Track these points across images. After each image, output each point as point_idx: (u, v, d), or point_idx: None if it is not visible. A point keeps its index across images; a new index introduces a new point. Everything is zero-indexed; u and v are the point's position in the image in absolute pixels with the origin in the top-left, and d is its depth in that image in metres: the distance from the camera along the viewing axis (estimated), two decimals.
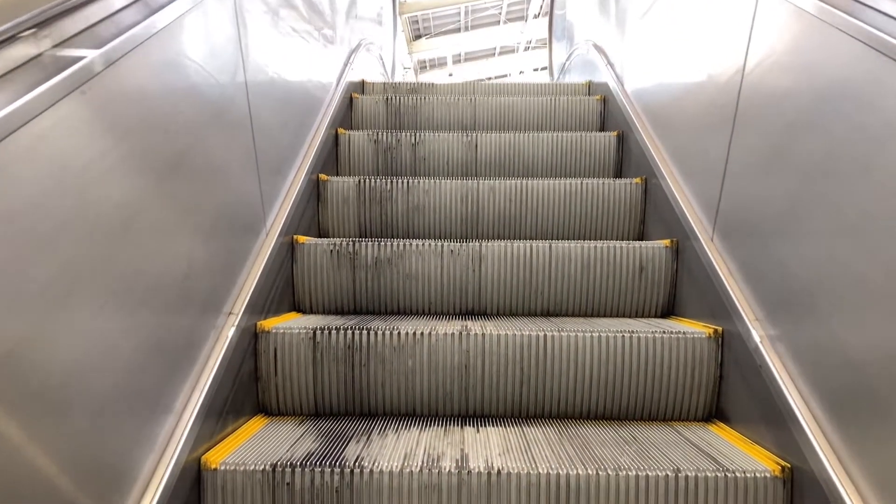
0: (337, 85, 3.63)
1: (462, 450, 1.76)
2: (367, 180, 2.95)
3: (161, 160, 1.49)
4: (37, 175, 1.06)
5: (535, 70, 19.68)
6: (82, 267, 1.16)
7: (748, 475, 1.61)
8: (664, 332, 2.06)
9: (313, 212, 2.90)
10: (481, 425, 1.99)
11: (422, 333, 2.06)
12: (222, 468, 1.61)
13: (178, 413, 1.53)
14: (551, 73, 7.17)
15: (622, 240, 2.89)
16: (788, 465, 1.61)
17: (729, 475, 1.61)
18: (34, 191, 1.05)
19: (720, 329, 2.04)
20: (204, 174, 1.73)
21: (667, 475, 1.61)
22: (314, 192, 2.90)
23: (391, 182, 2.95)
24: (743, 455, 1.72)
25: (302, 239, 2.52)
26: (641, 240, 2.90)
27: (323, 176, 2.96)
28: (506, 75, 20.30)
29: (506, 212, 2.98)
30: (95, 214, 1.21)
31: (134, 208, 1.34)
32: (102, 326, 1.21)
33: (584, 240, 2.84)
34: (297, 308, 2.54)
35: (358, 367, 2.07)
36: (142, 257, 1.37)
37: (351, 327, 2.08)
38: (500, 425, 2.00)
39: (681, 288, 2.47)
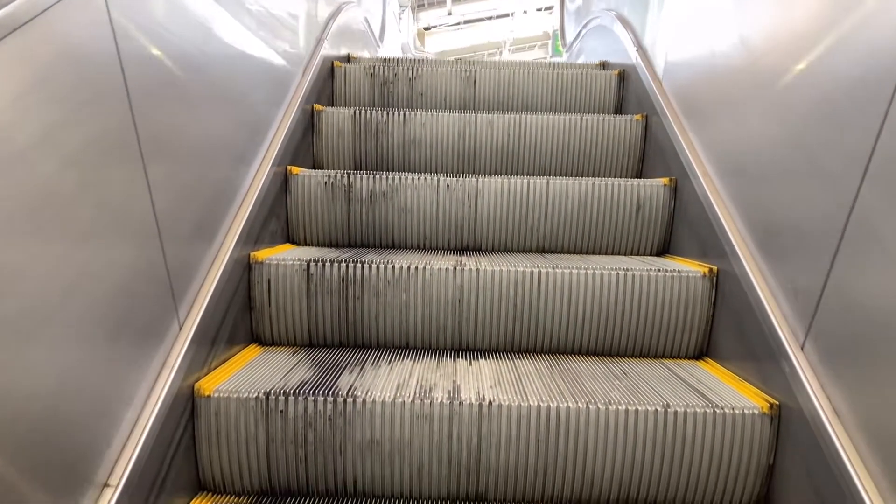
0: (330, 19, 3.52)
1: (454, 381, 1.77)
2: (363, 111, 2.89)
3: (156, 85, 1.44)
4: None
5: (539, 10, 19.13)
6: (68, 197, 1.13)
7: (736, 411, 1.63)
8: (659, 271, 2.05)
9: (308, 143, 2.85)
10: (474, 358, 2.01)
11: (416, 267, 2.05)
12: (216, 395, 1.62)
13: (171, 341, 1.53)
14: (562, 37, 6.60)
15: (621, 177, 2.86)
16: (776, 402, 1.63)
17: (717, 411, 1.63)
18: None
19: (715, 268, 2.04)
20: (202, 102, 1.68)
21: (656, 410, 1.63)
22: (309, 123, 2.84)
23: (387, 114, 2.88)
24: (732, 392, 1.74)
25: (295, 170, 2.48)
26: (640, 178, 2.87)
27: (318, 106, 2.90)
28: (508, 15, 19.74)
29: (504, 147, 2.93)
30: (85, 140, 1.17)
31: (120, 135, 1.31)
32: (90, 253, 1.19)
33: (582, 177, 2.80)
34: (291, 240, 2.52)
35: (352, 300, 2.06)
36: (127, 186, 1.34)
37: (345, 260, 2.07)
38: (493, 359, 2.01)
39: (677, 227, 2.46)
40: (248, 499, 1.62)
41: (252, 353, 1.99)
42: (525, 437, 1.63)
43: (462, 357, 2.02)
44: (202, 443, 1.63)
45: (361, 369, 1.85)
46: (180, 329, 1.57)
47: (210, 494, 1.64)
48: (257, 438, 1.63)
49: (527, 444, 1.63)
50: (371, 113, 2.89)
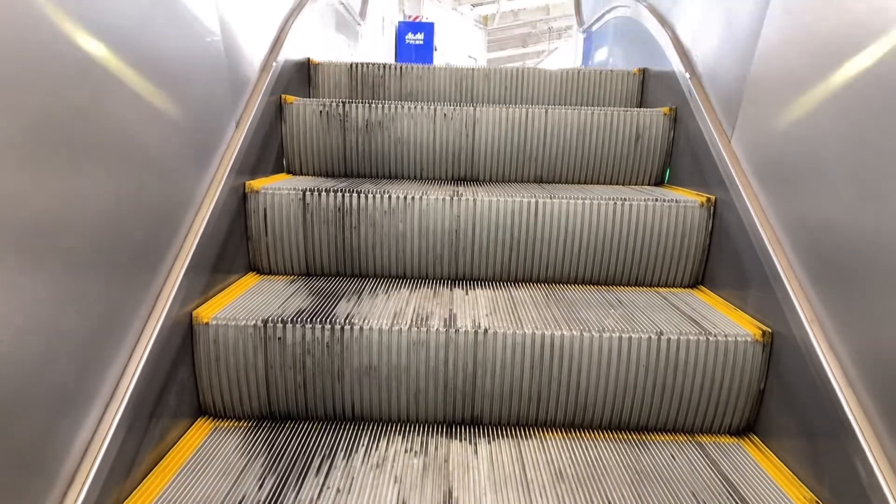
0: None
1: (451, 310, 1.78)
2: (360, 66, 2.86)
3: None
4: None
5: None
6: (66, 121, 1.11)
7: (729, 339, 1.64)
8: (657, 200, 2.04)
9: (304, 77, 2.79)
10: (470, 288, 2.02)
11: (413, 197, 2.04)
12: (214, 323, 1.64)
13: (167, 270, 1.53)
14: (577, 13, 5.30)
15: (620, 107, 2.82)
16: (769, 330, 1.64)
17: (710, 338, 1.65)
18: None
19: (713, 197, 2.02)
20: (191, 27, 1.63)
21: (650, 337, 1.65)
22: (305, 65, 2.79)
23: (384, 68, 2.84)
24: (726, 320, 1.75)
25: (290, 99, 2.44)
26: (640, 107, 2.82)
27: (313, 61, 2.85)
28: None
29: (500, 98, 2.93)
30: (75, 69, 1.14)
31: (111, 67, 1.27)
32: (83, 182, 1.18)
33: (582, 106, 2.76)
34: (287, 170, 2.50)
35: (349, 230, 2.06)
36: (123, 108, 1.32)
37: (341, 189, 2.05)
38: (489, 288, 2.02)
39: (676, 156, 2.43)
40: (248, 422, 1.66)
41: (250, 281, 2.00)
42: (520, 363, 1.65)
43: (458, 286, 2.03)
44: (201, 369, 1.65)
45: (358, 298, 1.86)
46: (176, 258, 1.57)
47: (210, 418, 1.67)
48: (256, 365, 1.65)
49: (521, 370, 1.65)
50: (367, 67, 2.83)
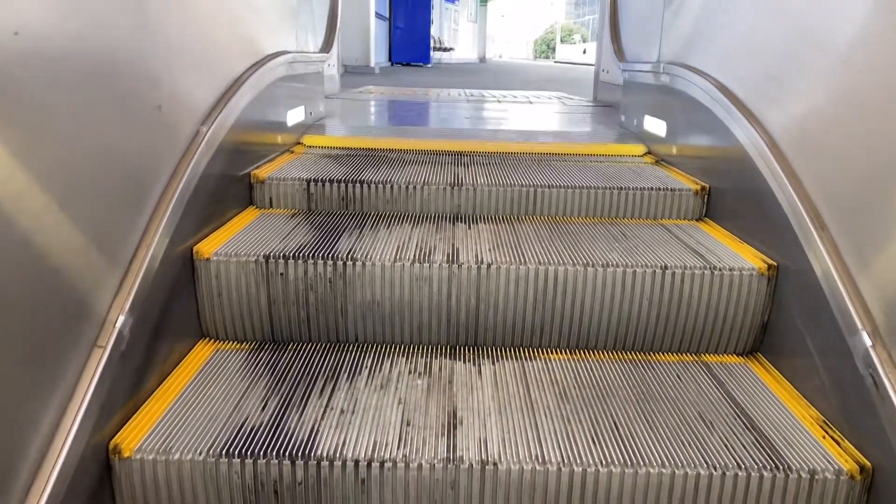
0: None
1: (453, 244, 1.77)
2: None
3: None
4: None
5: None
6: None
7: (734, 273, 1.63)
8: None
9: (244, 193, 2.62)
10: (473, 222, 2.01)
11: (415, 187, 2.03)
12: (215, 259, 1.63)
13: (155, 201, 1.45)
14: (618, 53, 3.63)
15: None
16: (774, 263, 1.63)
17: (715, 272, 1.63)
18: None
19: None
20: None
21: (654, 271, 1.64)
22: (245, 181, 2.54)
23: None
24: (731, 253, 1.74)
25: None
26: None
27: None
28: None
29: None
30: None
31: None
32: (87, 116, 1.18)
33: None
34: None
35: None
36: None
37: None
38: (492, 222, 2.01)
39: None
40: (250, 345, 1.65)
41: (250, 216, 1.99)
42: (523, 297, 1.65)
43: (461, 220, 2.02)
44: (203, 304, 1.65)
45: (360, 233, 1.85)
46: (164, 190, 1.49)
47: (212, 340, 1.66)
48: (259, 300, 1.65)
49: (524, 303, 1.65)
50: None
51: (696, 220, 2.11)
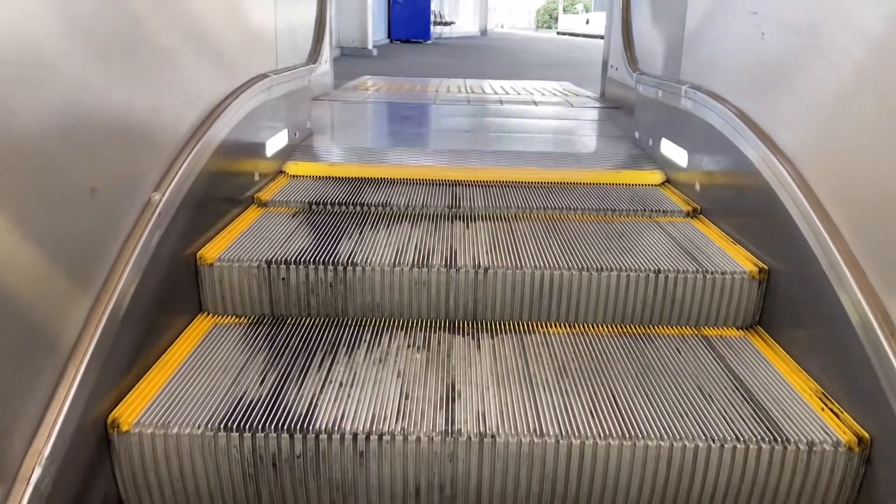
0: None
1: (451, 246, 1.78)
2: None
3: None
4: None
5: None
6: None
7: (726, 276, 1.64)
8: None
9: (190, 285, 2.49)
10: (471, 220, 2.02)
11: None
12: (218, 264, 1.63)
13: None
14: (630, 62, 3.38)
15: None
16: (766, 267, 1.64)
17: (707, 276, 1.64)
18: None
19: None
20: None
21: (647, 275, 1.64)
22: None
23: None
24: (723, 255, 1.75)
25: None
26: None
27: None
28: None
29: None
30: None
31: None
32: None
33: None
34: None
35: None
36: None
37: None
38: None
39: None
40: (248, 319, 1.65)
41: (253, 214, 1.99)
42: (519, 299, 1.65)
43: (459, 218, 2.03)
44: (207, 302, 1.65)
45: (360, 234, 1.85)
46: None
47: (211, 315, 1.66)
48: (261, 301, 1.64)
49: (521, 304, 1.65)
50: None
51: (692, 218, 2.11)
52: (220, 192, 1.81)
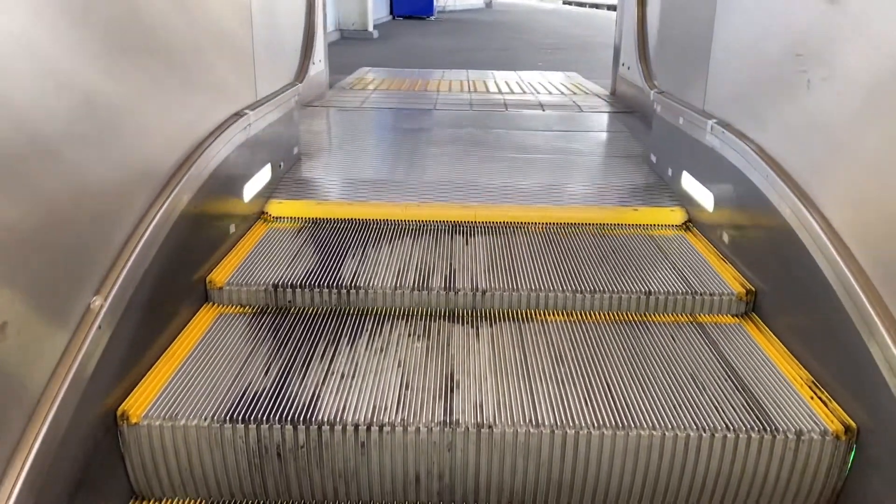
0: None
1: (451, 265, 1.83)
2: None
3: None
4: None
5: None
6: None
7: (714, 297, 1.70)
8: None
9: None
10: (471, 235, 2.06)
11: None
12: (227, 288, 1.69)
13: None
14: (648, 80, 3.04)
15: None
16: (752, 289, 1.70)
17: (696, 297, 1.70)
18: None
19: None
20: None
21: (639, 297, 1.69)
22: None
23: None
24: (713, 275, 1.80)
25: None
26: None
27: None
28: None
29: None
30: None
31: None
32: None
33: None
34: None
35: None
36: None
37: None
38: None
39: None
40: (252, 308, 1.69)
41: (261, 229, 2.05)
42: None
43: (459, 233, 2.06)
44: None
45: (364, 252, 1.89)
46: None
47: (216, 305, 1.71)
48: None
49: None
50: None
51: (684, 231, 2.17)
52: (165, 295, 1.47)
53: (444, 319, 1.65)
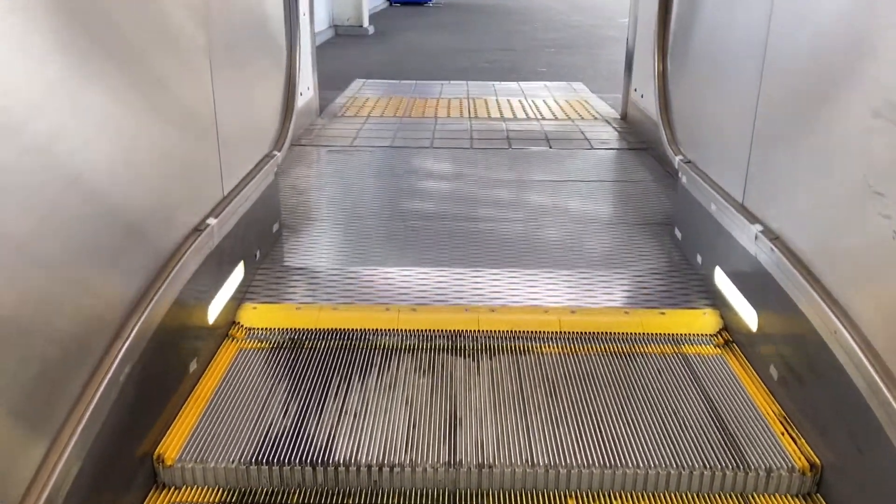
0: None
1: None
2: None
3: None
4: None
5: None
6: None
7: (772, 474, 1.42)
8: None
9: None
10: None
11: None
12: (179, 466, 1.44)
13: None
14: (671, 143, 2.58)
15: None
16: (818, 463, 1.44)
17: (749, 474, 1.41)
18: None
19: None
20: None
21: (679, 474, 1.42)
22: None
23: None
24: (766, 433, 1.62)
25: None
26: None
27: None
28: None
29: None
30: None
31: None
32: None
33: None
34: None
35: None
36: None
37: None
38: None
39: None
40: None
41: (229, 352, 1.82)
42: None
43: None
44: None
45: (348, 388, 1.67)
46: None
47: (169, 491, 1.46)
48: None
49: None
50: None
51: (724, 349, 1.87)
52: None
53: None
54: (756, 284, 1.73)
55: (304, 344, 1.83)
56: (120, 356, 1.22)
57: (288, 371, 1.71)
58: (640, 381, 1.68)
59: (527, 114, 4.49)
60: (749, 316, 1.76)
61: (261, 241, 2.22)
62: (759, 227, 1.70)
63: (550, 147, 3.72)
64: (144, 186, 1.39)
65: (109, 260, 1.25)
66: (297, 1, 2.63)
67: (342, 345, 1.83)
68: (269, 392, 1.62)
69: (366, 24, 10.07)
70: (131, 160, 1.33)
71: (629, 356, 1.78)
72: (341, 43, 8.90)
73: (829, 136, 1.43)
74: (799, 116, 1.58)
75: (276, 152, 2.33)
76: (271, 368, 1.72)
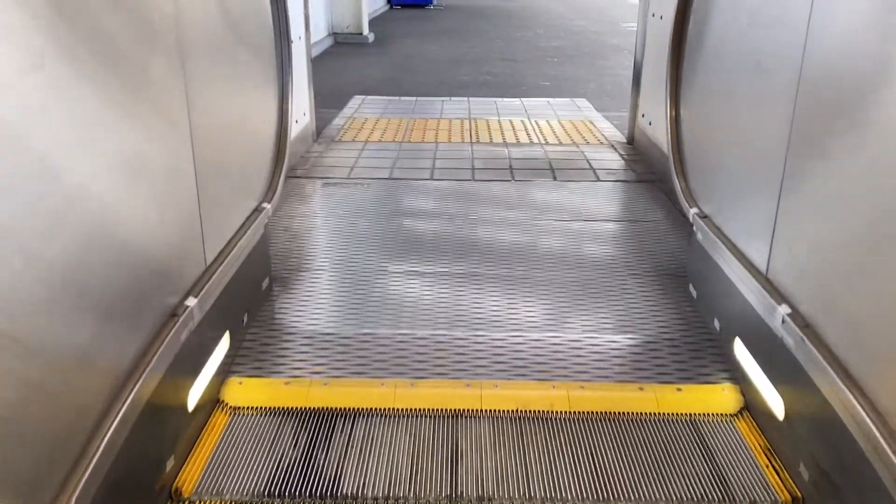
0: None
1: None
2: None
3: None
4: None
5: None
6: None
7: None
8: None
9: None
10: None
11: None
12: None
13: None
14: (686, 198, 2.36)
15: None
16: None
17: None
18: None
19: None
20: None
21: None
22: None
23: None
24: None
25: None
26: None
27: None
28: None
29: None
30: None
31: None
32: None
33: None
34: None
35: None
36: None
37: None
38: None
39: None
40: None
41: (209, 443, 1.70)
42: None
43: None
44: None
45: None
46: None
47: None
48: None
49: None
50: None
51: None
52: None
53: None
54: (783, 368, 1.55)
55: (290, 425, 1.72)
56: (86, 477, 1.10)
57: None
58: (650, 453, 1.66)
59: (530, 138, 4.41)
60: (773, 399, 1.61)
61: (249, 302, 2.09)
62: (786, 309, 1.50)
63: (555, 178, 3.63)
64: (111, 273, 1.23)
65: (63, 371, 1.08)
66: (289, 31, 2.42)
67: (334, 429, 1.70)
68: (255, 471, 1.57)
69: (365, 31, 9.99)
70: (93, 245, 1.17)
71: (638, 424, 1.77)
72: (340, 53, 8.85)
73: (870, 203, 1.21)
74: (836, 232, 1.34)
75: (265, 205, 2.16)
76: (252, 459, 1.61)
